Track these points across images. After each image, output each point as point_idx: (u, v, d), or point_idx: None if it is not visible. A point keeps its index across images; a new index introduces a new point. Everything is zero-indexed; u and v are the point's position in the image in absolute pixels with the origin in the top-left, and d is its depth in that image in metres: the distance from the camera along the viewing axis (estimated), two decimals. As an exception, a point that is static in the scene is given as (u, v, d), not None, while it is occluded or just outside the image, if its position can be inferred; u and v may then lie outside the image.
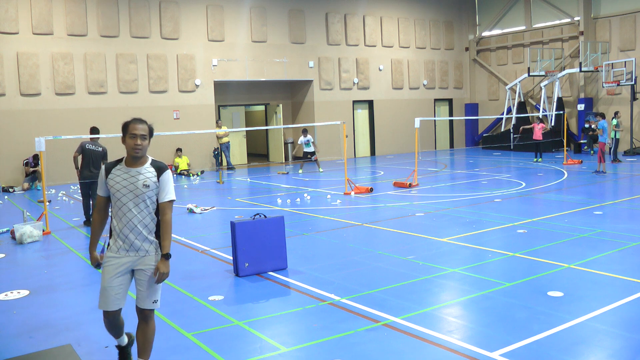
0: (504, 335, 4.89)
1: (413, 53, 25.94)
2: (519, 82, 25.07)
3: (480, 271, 6.86)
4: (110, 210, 4.18)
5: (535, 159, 19.89)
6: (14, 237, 9.49)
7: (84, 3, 18.15)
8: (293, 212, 11.30)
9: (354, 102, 24.31)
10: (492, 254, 7.65)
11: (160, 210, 4.07)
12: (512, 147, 24.33)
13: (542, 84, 24.15)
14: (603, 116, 16.90)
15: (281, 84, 23.76)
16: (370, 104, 24.95)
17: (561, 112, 21.84)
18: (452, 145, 27.91)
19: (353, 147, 24.36)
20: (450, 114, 27.54)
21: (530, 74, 23.68)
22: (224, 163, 21.21)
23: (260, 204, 12.48)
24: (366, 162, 22.57)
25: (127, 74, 18.93)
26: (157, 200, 4.07)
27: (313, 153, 18.86)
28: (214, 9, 20.61)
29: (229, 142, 20.98)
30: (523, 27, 26.04)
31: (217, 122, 20.58)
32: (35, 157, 16.58)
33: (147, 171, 4.03)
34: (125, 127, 4.03)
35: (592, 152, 21.44)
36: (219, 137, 20.63)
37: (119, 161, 4.10)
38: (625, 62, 21.20)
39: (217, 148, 20.40)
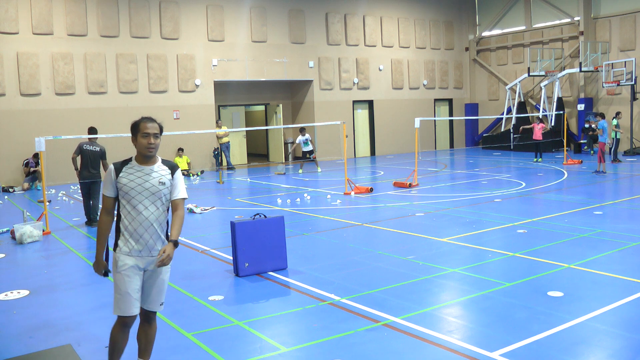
0: (504, 335, 4.89)
1: (413, 53, 25.94)
2: (519, 82, 25.06)
3: (480, 271, 6.86)
4: (115, 211, 4.08)
5: (535, 159, 19.89)
6: (14, 237, 9.49)
7: (84, 3, 18.15)
8: (293, 212, 11.30)
9: (354, 102, 24.31)
10: (492, 254, 7.65)
11: (173, 207, 4.05)
12: (512, 147, 24.33)
13: (542, 84, 24.15)
14: (603, 116, 16.91)
15: (281, 84, 23.76)
16: (370, 104, 24.95)
17: (561, 112, 21.84)
18: (452, 145, 27.91)
19: (353, 147, 24.36)
20: (450, 114, 27.55)
21: (530, 74, 23.68)
22: (224, 163, 21.21)
23: (260, 204, 12.48)
24: (366, 162, 22.57)
25: (127, 74, 18.93)
26: (169, 199, 4.05)
27: (312, 152, 18.85)
28: (214, 9, 20.61)
29: (229, 142, 20.98)
30: (523, 27, 26.04)
31: (217, 122, 20.58)
32: (36, 156, 16.59)
33: (161, 169, 4.02)
34: (136, 126, 3.97)
35: (592, 152, 21.44)
36: (219, 137, 20.63)
37: (127, 161, 4.02)
38: (625, 62, 21.20)
39: (217, 148, 20.40)
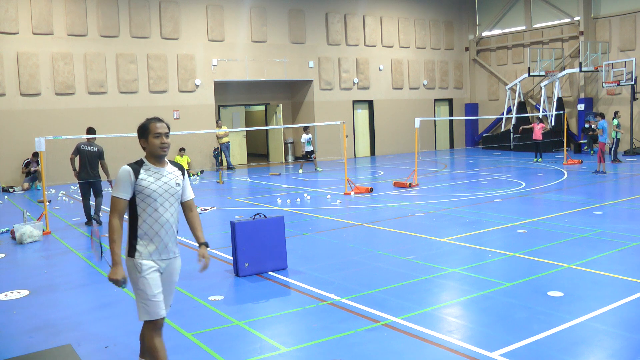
0: (504, 335, 4.89)
1: (413, 53, 25.94)
2: (519, 82, 25.06)
3: (480, 271, 6.86)
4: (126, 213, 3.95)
5: (535, 159, 19.89)
6: (14, 237, 9.49)
7: (84, 3, 18.16)
8: (293, 212, 11.30)
9: (354, 102, 24.31)
10: (492, 254, 7.65)
11: (188, 208, 4.08)
12: (512, 147, 24.33)
13: (542, 84, 24.15)
14: (603, 116, 16.91)
15: (281, 84, 23.76)
16: (370, 104, 24.95)
17: (561, 112, 21.84)
18: (452, 145, 27.91)
19: (353, 147, 24.36)
20: (450, 114, 27.55)
21: (530, 74, 23.68)
22: (224, 163, 21.22)
23: (260, 204, 12.48)
24: (366, 162, 22.57)
25: (127, 74, 18.93)
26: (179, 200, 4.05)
27: (312, 152, 18.84)
28: (214, 9, 20.61)
29: (229, 142, 20.98)
30: (523, 27, 26.04)
31: (217, 122, 20.58)
32: (35, 155, 16.59)
33: (175, 170, 4.00)
34: (146, 128, 3.89)
35: (592, 152, 21.44)
36: (219, 137, 20.63)
37: (141, 162, 3.90)
38: (625, 62, 21.20)
39: (217, 148, 20.40)
